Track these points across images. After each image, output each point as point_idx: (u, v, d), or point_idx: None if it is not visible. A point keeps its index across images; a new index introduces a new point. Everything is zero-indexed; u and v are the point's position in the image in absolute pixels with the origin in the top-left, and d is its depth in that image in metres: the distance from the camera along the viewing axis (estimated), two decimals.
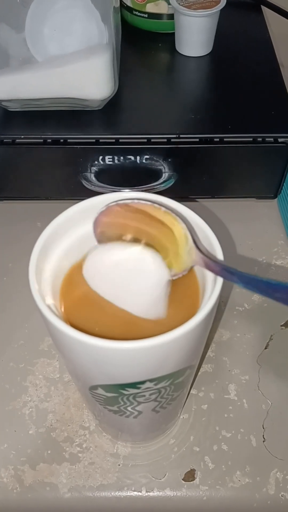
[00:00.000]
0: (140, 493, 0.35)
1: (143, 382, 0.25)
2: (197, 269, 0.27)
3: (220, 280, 0.24)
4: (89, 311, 0.26)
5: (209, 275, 0.26)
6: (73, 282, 0.27)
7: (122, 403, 0.27)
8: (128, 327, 0.26)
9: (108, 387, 0.26)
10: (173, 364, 0.24)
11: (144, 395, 0.26)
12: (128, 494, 0.35)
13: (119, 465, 0.36)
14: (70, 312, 0.25)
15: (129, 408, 0.28)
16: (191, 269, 0.28)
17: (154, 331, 0.25)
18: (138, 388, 0.25)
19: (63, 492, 0.35)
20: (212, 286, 0.24)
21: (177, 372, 0.25)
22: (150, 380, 0.25)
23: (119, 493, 0.35)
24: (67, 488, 0.35)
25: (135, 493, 0.35)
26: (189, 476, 0.35)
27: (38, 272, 0.24)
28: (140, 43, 0.55)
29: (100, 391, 0.26)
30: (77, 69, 0.42)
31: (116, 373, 0.24)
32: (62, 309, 0.25)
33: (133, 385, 0.25)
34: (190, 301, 0.27)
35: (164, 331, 0.22)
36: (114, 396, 0.26)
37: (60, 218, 0.26)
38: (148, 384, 0.25)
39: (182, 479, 0.35)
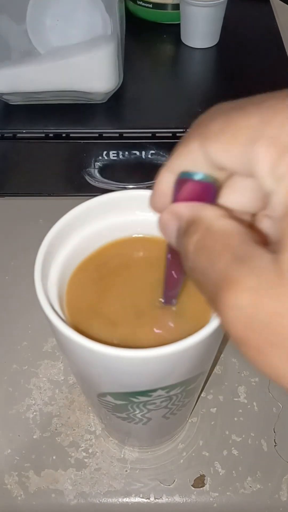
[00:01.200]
0: (148, 500, 0.34)
1: (154, 390, 0.23)
2: None
3: None
4: (96, 315, 0.25)
5: None
6: (79, 285, 0.25)
7: (131, 410, 0.26)
8: (139, 331, 0.25)
9: (118, 395, 0.24)
10: (186, 371, 0.23)
11: (155, 403, 0.25)
12: (136, 500, 0.34)
13: (126, 470, 0.35)
14: (76, 316, 0.24)
15: (138, 415, 0.27)
16: None
17: (166, 337, 0.24)
18: (150, 396, 0.24)
19: (68, 499, 0.34)
20: None
21: (190, 379, 0.24)
22: (162, 388, 0.23)
23: (126, 500, 0.34)
24: (73, 494, 0.34)
25: (143, 499, 0.34)
26: (199, 482, 0.34)
27: (44, 277, 0.23)
28: (144, 35, 0.53)
29: (109, 398, 0.25)
30: (80, 61, 0.41)
31: (128, 381, 0.23)
32: (68, 313, 0.24)
33: (145, 393, 0.24)
34: (205, 305, 0.26)
35: (177, 337, 0.21)
36: (124, 404, 0.25)
37: (65, 219, 0.25)
38: (159, 392, 0.24)
39: (192, 485, 0.34)
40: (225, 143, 0.14)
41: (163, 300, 0.25)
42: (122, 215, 0.26)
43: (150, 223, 0.27)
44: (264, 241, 0.16)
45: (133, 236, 0.28)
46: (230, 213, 0.16)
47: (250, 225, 0.18)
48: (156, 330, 0.24)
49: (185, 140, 0.16)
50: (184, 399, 0.27)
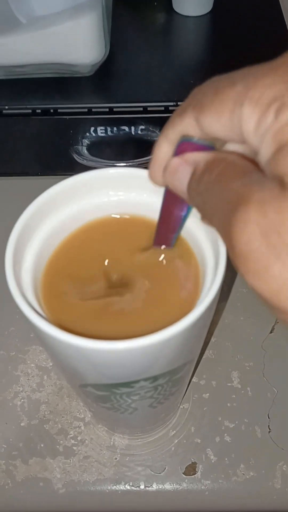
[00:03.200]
0: (138, 488, 0.33)
1: (137, 381, 0.22)
2: (198, 254, 0.24)
3: (221, 269, 0.21)
4: (74, 302, 0.23)
5: (210, 261, 0.23)
6: (56, 271, 0.24)
7: (114, 400, 0.25)
8: (118, 319, 0.23)
9: (99, 386, 0.23)
10: (171, 362, 0.22)
11: (138, 393, 0.24)
12: (125, 489, 0.33)
13: (116, 458, 0.34)
14: (53, 305, 0.23)
15: (123, 405, 0.26)
16: (191, 253, 0.25)
17: (147, 324, 0.23)
18: (132, 387, 0.23)
19: (57, 487, 0.33)
20: (213, 273, 0.22)
21: (175, 369, 0.23)
22: (145, 379, 0.22)
23: (116, 488, 0.33)
24: (61, 483, 0.33)
25: (133, 488, 0.33)
26: (190, 469, 0.33)
27: (17, 263, 0.21)
28: (133, 2, 0.50)
29: (90, 389, 0.24)
30: (62, 30, 0.38)
31: (107, 373, 0.21)
32: (44, 302, 0.23)
33: (126, 384, 0.22)
34: (189, 287, 0.24)
35: (159, 324, 0.20)
36: (106, 395, 0.24)
37: (41, 199, 0.23)
38: (142, 383, 0.22)
39: (183, 473, 0.33)
40: (215, 112, 0.16)
41: (156, 243, 0.24)
42: (96, 197, 0.25)
43: (125, 203, 0.25)
44: None
45: (111, 216, 0.26)
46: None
47: None
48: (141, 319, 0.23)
49: (179, 112, 0.18)
50: (171, 388, 0.26)
